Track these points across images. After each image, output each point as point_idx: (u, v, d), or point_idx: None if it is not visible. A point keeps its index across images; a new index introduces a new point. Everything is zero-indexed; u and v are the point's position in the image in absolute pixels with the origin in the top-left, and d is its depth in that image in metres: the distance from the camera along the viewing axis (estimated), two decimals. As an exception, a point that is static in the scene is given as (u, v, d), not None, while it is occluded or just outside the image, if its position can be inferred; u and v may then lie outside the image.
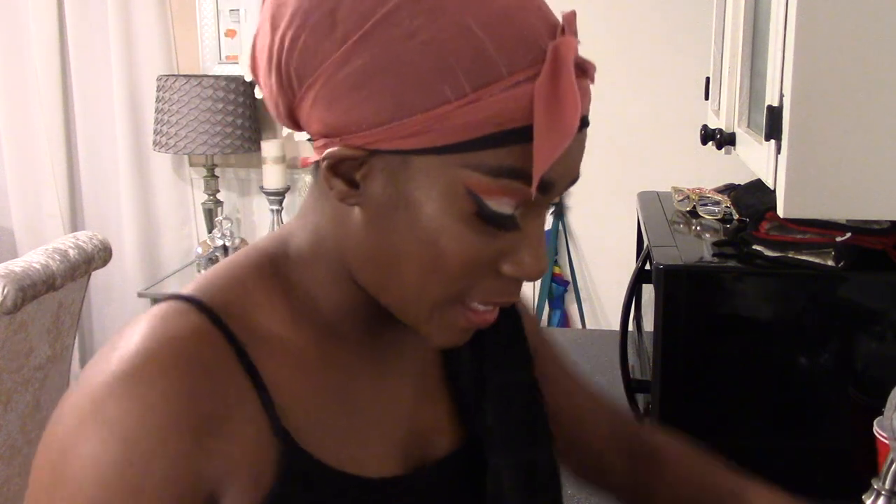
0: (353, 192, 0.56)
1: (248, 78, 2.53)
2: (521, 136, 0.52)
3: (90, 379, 0.56)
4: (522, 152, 0.52)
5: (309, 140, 0.60)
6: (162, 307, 0.59)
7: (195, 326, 0.58)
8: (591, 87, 0.57)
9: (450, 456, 0.69)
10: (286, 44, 0.55)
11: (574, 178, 0.57)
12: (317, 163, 0.59)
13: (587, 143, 0.59)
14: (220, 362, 0.57)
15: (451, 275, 0.56)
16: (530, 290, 2.77)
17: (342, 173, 0.56)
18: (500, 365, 0.73)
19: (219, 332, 0.58)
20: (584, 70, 0.55)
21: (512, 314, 0.75)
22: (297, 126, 0.60)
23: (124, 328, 0.58)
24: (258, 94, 2.52)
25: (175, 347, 0.56)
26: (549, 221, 2.70)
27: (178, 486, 0.55)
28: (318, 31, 0.54)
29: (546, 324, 2.74)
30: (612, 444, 0.89)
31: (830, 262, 1.15)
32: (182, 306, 0.59)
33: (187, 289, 0.61)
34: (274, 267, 0.63)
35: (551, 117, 0.51)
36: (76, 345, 2.67)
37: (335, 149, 0.55)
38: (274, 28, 0.56)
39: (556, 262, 2.72)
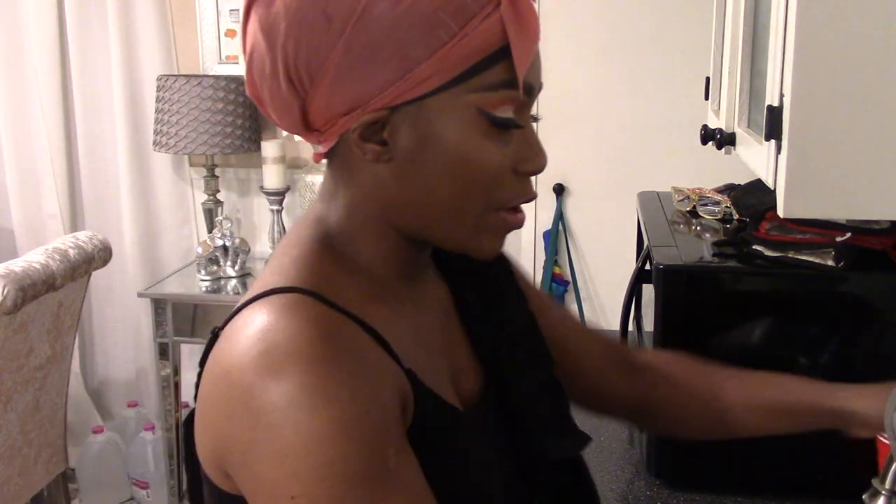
0: (384, 150, 0.67)
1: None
2: (503, 54, 0.65)
3: (260, 374, 0.61)
4: (507, 66, 0.66)
5: (317, 132, 0.69)
6: (282, 300, 0.65)
7: (320, 309, 0.65)
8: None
9: (481, 394, 0.81)
10: (289, 52, 0.65)
11: (541, 85, 0.71)
12: (331, 150, 0.71)
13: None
14: (351, 327, 0.66)
15: (484, 184, 0.68)
16: (530, 290, 2.77)
17: (371, 137, 0.67)
18: (501, 304, 0.87)
19: (333, 309, 0.66)
20: None
21: (503, 263, 0.91)
22: (306, 127, 0.70)
23: (244, 324, 0.64)
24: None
25: (322, 326, 0.63)
26: (549, 221, 2.70)
27: (394, 404, 0.65)
28: (316, 31, 0.64)
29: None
30: (608, 364, 0.99)
31: (830, 262, 1.15)
32: (299, 297, 0.66)
33: (281, 279, 0.68)
34: (327, 247, 0.73)
35: (520, 30, 0.65)
36: (76, 345, 2.67)
37: (361, 118, 0.66)
38: (271, 45, 0.66)
39: (556, 262, 2.72)
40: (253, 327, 0.63)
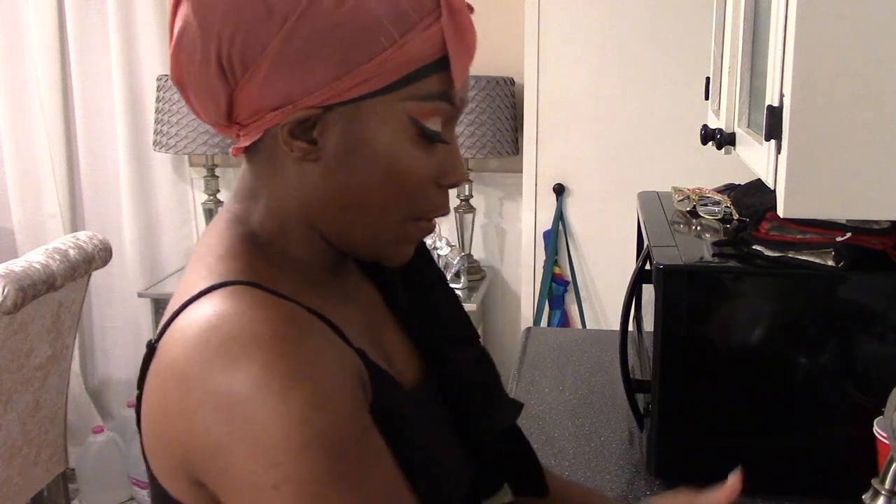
0: (313, 149, 0.67)
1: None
2: (439, 65, 0.67)
3: (220, 360, 0.59)
4: (441, 78, 0.68)
5: (238, 125, 0.68)
6: (224, 293, 0.64)
7: (266, 296, 0.64)
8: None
9: (420, 380, 0.81)
10: (224, 39, 0.64)
11: (468, 100, 0.73)
12: (254, 144, 0.69)
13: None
14: (301, 311, 0.65)
15: (409, 192, 0.70)
16: (530, 290, 2.77)
17: (300, 135, 0.67)
18: (426, 288, 0.87)
19: (275, 295, 0.65)
20: (470, 6, 0.70)
21: (419, 247, 0.88)
22: (227, 120, 0.69)
23: (188, 326, 0.62)
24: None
25: (274, 309, 0.63)
26: (549, 221, 2.70)
27: (356, 380, 0.65)
28: (255, 20, 0.63)
29: (546, 324, 2.74)
30: None
31: (830, 262, 1.15)
32: (241, 287, 0.64)
33: (214, 277, 0.66)
34: (253, 245, 0.71)
35: (459, 43, 0.67)
36: (76, 345, 2.67)
37: (294, 114, 0.65)
38: (205, 30, 0.64)
39: (556, 262, 2.72)
40: (201, 325, 0.61)
